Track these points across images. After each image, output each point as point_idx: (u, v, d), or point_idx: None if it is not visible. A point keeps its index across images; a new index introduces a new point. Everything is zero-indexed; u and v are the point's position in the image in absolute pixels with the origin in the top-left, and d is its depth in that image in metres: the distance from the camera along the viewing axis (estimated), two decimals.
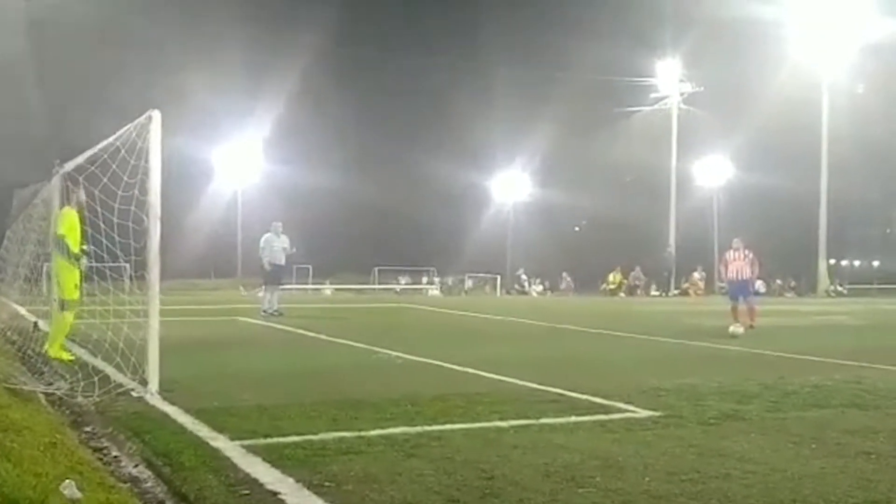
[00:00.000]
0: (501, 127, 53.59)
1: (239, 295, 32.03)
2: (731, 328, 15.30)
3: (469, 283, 46.84)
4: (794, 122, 43.71)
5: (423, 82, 55.79)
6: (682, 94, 51.40)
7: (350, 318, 20.08)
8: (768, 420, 6.97)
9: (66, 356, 9.94)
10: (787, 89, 43.49)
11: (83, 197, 9.81)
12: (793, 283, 45.22)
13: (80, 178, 9.91)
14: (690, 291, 41.64)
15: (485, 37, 55.58)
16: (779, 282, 44.40)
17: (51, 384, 8.18)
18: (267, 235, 20.19)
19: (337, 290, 40.72)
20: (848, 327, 19.51)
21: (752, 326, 16.31)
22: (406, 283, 46.27)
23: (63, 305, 10.21)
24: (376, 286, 45.54)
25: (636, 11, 50.18)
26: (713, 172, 51.63)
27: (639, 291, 42.15)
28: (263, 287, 20.51)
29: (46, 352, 10.00)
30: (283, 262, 20.13)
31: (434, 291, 43.36)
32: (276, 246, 19.89)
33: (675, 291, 43.59)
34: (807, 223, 45.93)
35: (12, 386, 7.68)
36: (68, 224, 10.25)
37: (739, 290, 17.35)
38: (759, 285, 39.89)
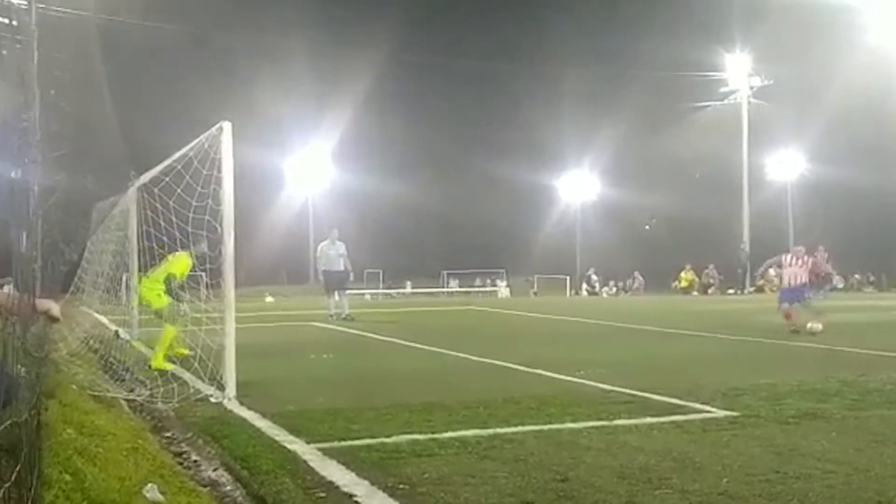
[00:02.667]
0: (569, 127, 53.30)
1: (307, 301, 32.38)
2: (810, 325, 14.89)
3: (535, 285, 46.63)
4: (870, 112, 42.47)
5: (489, 84, 55.83)
6: (751, 88, 50.40)
7: (420, 322, 20.16)
8: (849, 419, 6.79)
9: (168, 367, 10.10)
10: (861, 77, 42.25)
11: (204, 248, 9.96)
12: (871, 278, 43.95)
13: (204, 234, 9.66)
14: (766, 289, 40.77)
15: (551, 36, 55.44)
16: (857, 276, 43.22)
17: (132, 391, 8.41)
18: (323, 244, 20.66)
19: (405, 293, 40.96)
20: None
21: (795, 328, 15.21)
22: (472, 285, 46.33)
23: (163, 317, 10.52)
24: (446, 289, 45.70)
25: (703, 5, 49.37)
26: (786, 167, 50.53)
27: (710, 290, 41.40)
28: (327, 294, 20.78)
29: (150, 365, 10.19)
30: (341, 267, 20.34)
31: (504, 292, 43.34)
32: (332, 253, 20.23)
33: (751, 289, 42.70)
34: (886, 216, 44.58)
35: (96, 393, 7.92)
36: (182, 269, 10.61)
37: (793, 295, 15.93)
38: (837, 280, 39.02)
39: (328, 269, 20.29)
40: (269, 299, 29.11)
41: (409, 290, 44.88)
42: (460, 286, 46.60)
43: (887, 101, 43.41)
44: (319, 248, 20.95)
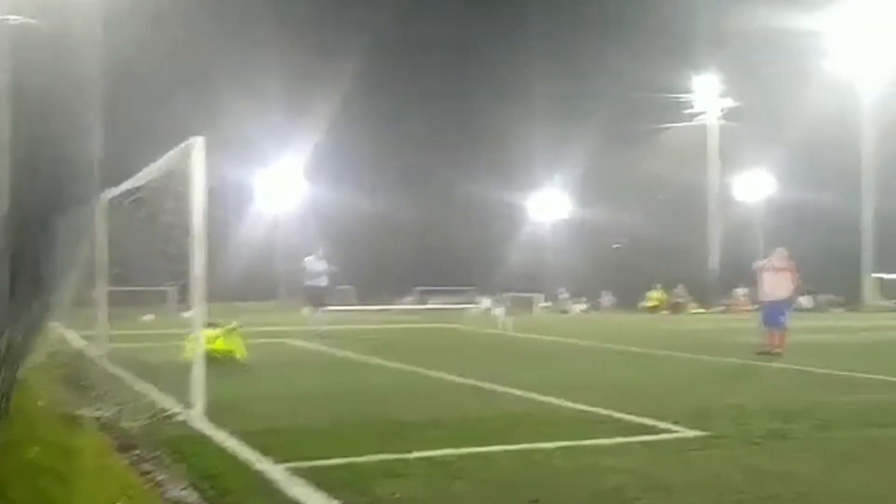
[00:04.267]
0: (539, 146, 53.62)
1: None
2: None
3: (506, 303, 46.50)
4: (835, 134, 43.18)
5: (459, 102, 56.09)
6: (720, 110, 51.10)
7: (393, 340, 20.12)
8: (817, 439, 6.86)
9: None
10: (827, 101, 42.99)
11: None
12: (839, 299, 44.49)
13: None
14: (733, 308, 41.18)
15: (521, 56, 55.66)
16: (825, 297, 43.74)
17: (99, 409, 8.29)
18: (308, 258, 20.67)
19: (378, 310, 40.81)
20: None
21: (780, 353, 14.33)
22: (444, 303, 46.22)
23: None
24: (418, 307, 45.56)
25: (673, 28, 49.98)
26: (754, 187, 51.19)
27: (685, 310, 41.70)
28: (308, 309, 20.98)
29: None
30: (324, 283, 20.46)
31: (490, 310, 43.31)
32: (317, 269, 20.30)
33: (719, 308, 43.12)
34: (852, 237, 45.24)
35: (63, 411, 7.79)
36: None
37: (775, 312, 14.90)
38: (806, 300, 39.44)
39: (312, 284, 20.39)
40: (147, 317, 26.79)
41: (402, 306, 44.71)
42: (434, 303, 46.45)
43: (849, 123, 44.21)
44: (304, 261, 20.91)
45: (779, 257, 15.43)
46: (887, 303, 43.76)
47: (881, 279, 45.69)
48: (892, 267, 54.72)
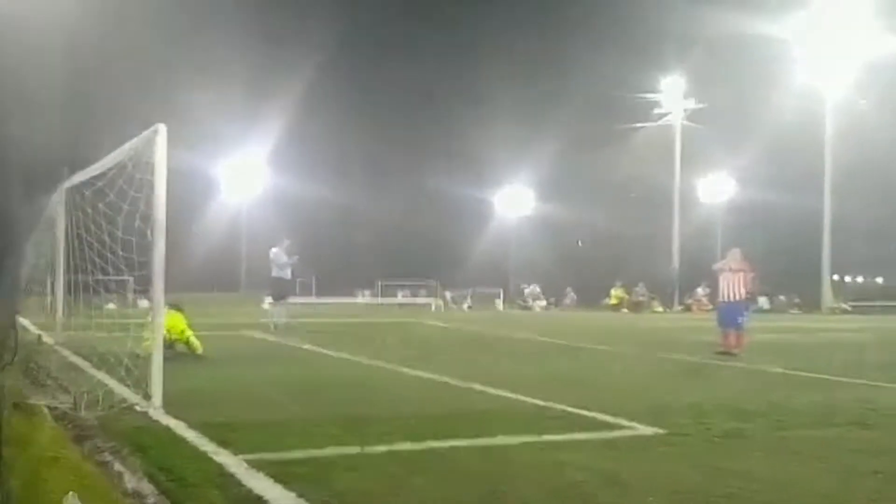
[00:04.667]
0: (506, 142, 53.80)
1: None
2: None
3: (469, 298, 46.62)
4: (797, 139, 43.82)
5: (427, 98, 56.11)
6: (685, 111, 51.54)
7: (355, 333, 20.06)
8: (773, 438, 6.94)
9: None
10: (790, 106, 43.63)
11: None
12: (797, 300, 45.12)
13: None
14: (693, 307, 41.60)
15: (489, 53, 55.82)
16: (783, 298, 44.33)
17: (54, 398, 8.17)
18: (275, 250, 20.45)
19: (339, 303, 40.69)
20: (852, 344, 19.39)
21: (737, 353, 14.50)
22: (407, 297, 46.22)
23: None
24: (379, 300, 45.49)
25: (641, 29, 50.44)
26: (717, 189, 51.72)
27: (646, 307, 42.02)
28: (270, 301, 20.92)
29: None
30: (289, 276, 20.35)
31: (440, 304, 43.36)
32: (284, 261, 20.13)
33: (679, 307, 43.53)
34: (811, 240, 45.91)
35: (17, 400, 7.66)
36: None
37: (731, 316, 15.00)
38: (763, 302, 39.99)
39: (277, 275, 20.21)
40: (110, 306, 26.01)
41: (363, 299, 44.60)
42: (396, 298, 46.43)
43: (811, 128, 44.83)
44: (271, 252, 20.63)
45: (734, 258, 15.53)
46: (843, 305, 44.47)
47: (838, 281, 46.46)
48: (849, 269, 55.67)
